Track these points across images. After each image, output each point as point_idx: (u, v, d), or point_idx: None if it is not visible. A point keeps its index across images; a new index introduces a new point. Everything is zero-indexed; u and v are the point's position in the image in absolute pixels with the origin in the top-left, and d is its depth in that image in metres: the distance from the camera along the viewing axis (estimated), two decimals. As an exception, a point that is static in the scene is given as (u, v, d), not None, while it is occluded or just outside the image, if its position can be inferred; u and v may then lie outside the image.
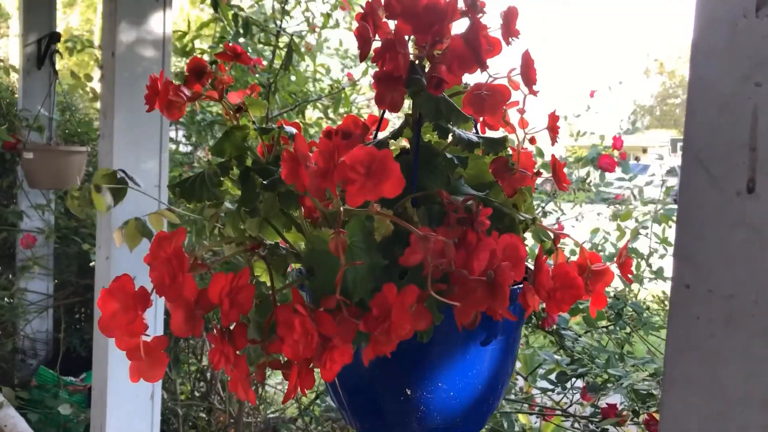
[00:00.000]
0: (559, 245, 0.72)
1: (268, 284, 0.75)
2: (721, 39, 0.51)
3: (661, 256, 2.52)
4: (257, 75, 2.30)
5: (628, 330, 2.06)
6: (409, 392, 0.71)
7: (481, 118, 0.79)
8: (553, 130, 0.80)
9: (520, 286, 0.68)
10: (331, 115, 2.60)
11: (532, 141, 0.81)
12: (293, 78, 2.43)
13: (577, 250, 0.76)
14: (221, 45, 2.28)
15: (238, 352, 0.60)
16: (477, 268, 0.58)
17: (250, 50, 2.54)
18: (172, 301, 0.57)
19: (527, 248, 0.74)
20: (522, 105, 0.77)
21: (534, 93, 0.72)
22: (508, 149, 0.78)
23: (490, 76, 0.70)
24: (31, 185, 3.11)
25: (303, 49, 2.31)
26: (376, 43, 0.72)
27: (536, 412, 2.09)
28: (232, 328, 0.59)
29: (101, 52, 2.03)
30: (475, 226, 0.61)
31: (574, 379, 1.88)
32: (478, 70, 0.72)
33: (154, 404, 2.07)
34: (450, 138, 0.72)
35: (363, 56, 0.71)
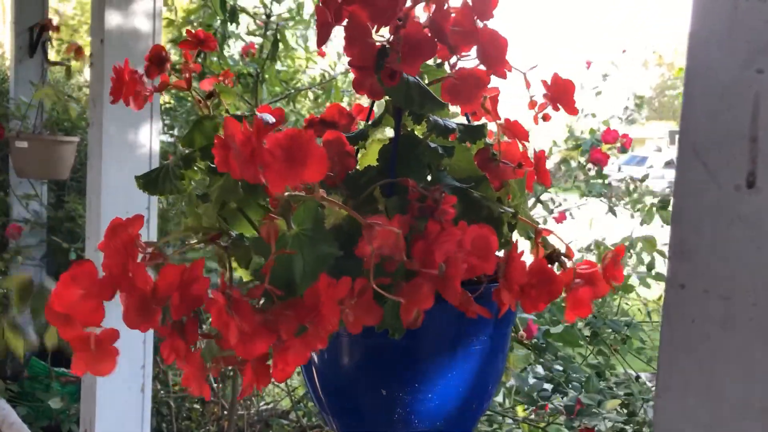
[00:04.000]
0: (540, 241, 0.69)
1: (245, 278, 0.72)
2: (720, 23, 0.48)
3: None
4: (247, 63, 2.26)
5: (606, 352, 2.03)
6: (385, 393, 0.68)
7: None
8: (564, 96, 0.73)
9: (496, 284, 0.65)
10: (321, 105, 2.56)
11: (546, 118, 0.76)
12: (283, 67, 2.38)
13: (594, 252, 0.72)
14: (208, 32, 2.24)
15: (191, 347, 0.57)
16: (438, 259, 0.55)
17: (240, 39, 2.50)
18: (123, 290, 0.55)
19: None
20: (527, 86, 0.73)
21: (503, 76, 0.67)
22: (486, 138, 0.74)
23: (458, 58, 0.66)
24: (19, 175, 3.08)
25: (288, 36, 2.27)
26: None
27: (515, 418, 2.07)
28: (183, 321, 0.57)
29: (90, 39, 2.00)
30: (436, 215, 0.58)
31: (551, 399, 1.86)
32: (437, 56, 0.68)
33: (144, 396, 2.05)
34: (425, 124, 0.69)
35: (320, 41, 0.68)
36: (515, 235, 0.76)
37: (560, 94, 0.74)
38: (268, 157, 0.52)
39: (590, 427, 1.66)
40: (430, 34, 0.66)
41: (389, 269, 0.55)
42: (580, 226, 2.77)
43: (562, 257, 0.71)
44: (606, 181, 2.65)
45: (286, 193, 0.59)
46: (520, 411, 2.19)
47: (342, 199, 0.69)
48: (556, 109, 0.75)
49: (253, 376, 0.58)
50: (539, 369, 2.05)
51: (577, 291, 0.66)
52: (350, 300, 0.55)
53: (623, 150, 2.76)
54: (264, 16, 2.22)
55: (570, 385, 1.82)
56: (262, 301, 0.59)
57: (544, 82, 0.75)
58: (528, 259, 0.67)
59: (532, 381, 1.94)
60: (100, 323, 0.53)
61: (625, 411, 1.67)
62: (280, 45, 2.30)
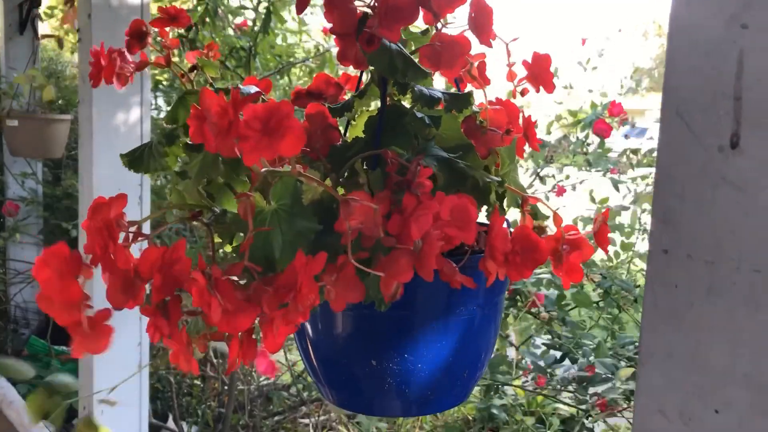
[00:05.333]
0: (527, 208, 0.67)
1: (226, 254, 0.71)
2: (704, -22, 0.46)
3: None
4: (238, 36, 2.23)
5: (617, 310, 2.03)
6: (375, 363, 0.67)
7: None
8: (542, 75, 0.73)
9: (482, 253, 0.63)
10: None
11: (524, 93, 0.75)
12: (278, 41, 2.36)
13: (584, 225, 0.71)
14: (200, 8, 2.21)
15: (179, 322, 0.56)
16: (415, 233, 0.54)
17: (234, 13, 2.47)
18: (106, 270, 0.54)
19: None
20: (508, 57, 0.72)
21: (489, 44, 0.66)
22: (475, 106, 0.73)
23: (443, 25, 0.64)
24: (13, 153, 3.06)
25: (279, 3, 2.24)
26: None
27: (522, 387, 2.07)
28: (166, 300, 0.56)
29: (78, 15, 1.97)
30: (412, 188, 0.57)
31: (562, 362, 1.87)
32: (416, 21, 0.67)
33: (142, 374, 2.05)
34: (410, 94, 0.67)
35: (300, 8, 0.66)
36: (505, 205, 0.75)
37: (539, 72, 0.73)
38: (244, 129, 0.51)
39: (603, 396, 1.66)
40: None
41: (366, 245, 0.54)
42: (581, 200, 2.77)
43: (546, 229, 0.70)
44: (608, 155, 2.64)
45: (264, 169, 0.58)
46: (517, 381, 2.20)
47: (322, 173, 0.68)
48: (537, 89, 0.74)
49: (238, 351, 0.57)
50: (540, 339, 2.06)
51: (569, 257, 0.65)
52: (330, 276, 0.54)
53: (625, 124, 2.75)
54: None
55: (580, 351, 1.82)
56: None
57: (525, 63, 0.73)
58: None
59: (538, 350, 1.95)
60: (79, 301, 0.53)
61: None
62: (273, 18, 2.27)
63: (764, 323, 0.44)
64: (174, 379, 2.87)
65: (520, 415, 1.99)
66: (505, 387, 2.06)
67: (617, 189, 2.64)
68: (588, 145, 2.71)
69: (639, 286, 2.12)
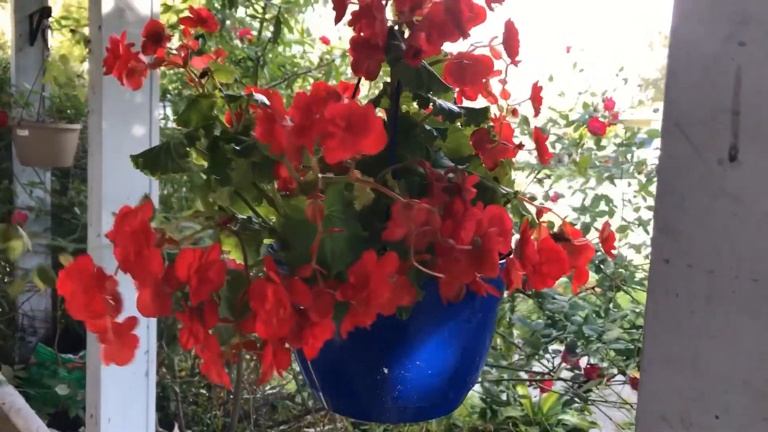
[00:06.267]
0: (541, 220, 0.69)
1: (239, 261, 0.72)
2: (704, -4, 0.47)
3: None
4: (245, 47, 2.26)
5: (610, 285, 2.03)
6: (386, 371, 0.68)
7: (460, 89, 0.76)
8: (536, 101, 0.77)
9: (502, 261, 0.65)
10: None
11: (515, 113, 0.78)
12: (281, 49, 2.38)
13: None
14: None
15: (210, 331, 0.57)
16: (465, 238, 0.55)
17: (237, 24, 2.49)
18: (138, 277, 0.54)
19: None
20: (504, 75, 0.74)
21: (516, 63, 0.68)
22: (489, 121, 0.75)
23: (471, 45, 0.67)
24: (24, 163, 3.09)
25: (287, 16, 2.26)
26: (354, 6, 0.69)
27: (518, 379, 2.08)
28: (202, 306, 0.56)
29: (89, 27, 2.00)
30: (462, 194, 0.58)
31: (553, 343, 1.86)
32: (459, 38, 0.69)
33: (149, 381, 2.06)
34: (431, 108, 0.69)
35: (338, 18, 0.67)
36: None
37: (536, 98, 0.76)
38: (331, 126, 0.51)
39: (594, 364, 1.66)
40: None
41: (419, 248, 0.55)
42: (572, 203, 2.78)
43: (566, 236, 0.72)
44: (602, 153, 2.66)
45: (319, 175, 0.59)
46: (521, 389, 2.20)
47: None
48: (536, 113, 0.77)
49: (273, 359, 0.57)
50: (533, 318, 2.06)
51: (578, 263, 0.67)
52: (391, 279, 0.55)
53: (631, 140, 2.76)
54: (263, 1, 2.21)
55: (570, 320, 1.82)
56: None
57: (533, 86, 0.77)
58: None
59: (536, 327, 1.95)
60: (105, 313, 0.53)
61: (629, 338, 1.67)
62: (283, 28, 2.29)
63: (762, 330, 0.45)
64: (179, 387, 2.88)
65: (524, 426, 2.00)
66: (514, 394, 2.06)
67: (613, 183, 2.65)
68: (583, 144, 2.73)
69: (628, 265, 2.11)
